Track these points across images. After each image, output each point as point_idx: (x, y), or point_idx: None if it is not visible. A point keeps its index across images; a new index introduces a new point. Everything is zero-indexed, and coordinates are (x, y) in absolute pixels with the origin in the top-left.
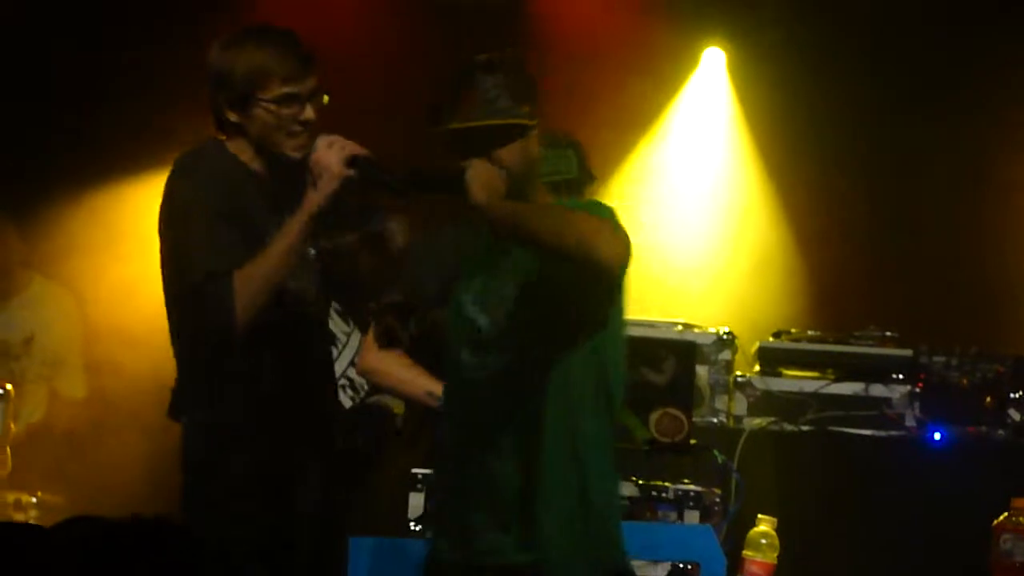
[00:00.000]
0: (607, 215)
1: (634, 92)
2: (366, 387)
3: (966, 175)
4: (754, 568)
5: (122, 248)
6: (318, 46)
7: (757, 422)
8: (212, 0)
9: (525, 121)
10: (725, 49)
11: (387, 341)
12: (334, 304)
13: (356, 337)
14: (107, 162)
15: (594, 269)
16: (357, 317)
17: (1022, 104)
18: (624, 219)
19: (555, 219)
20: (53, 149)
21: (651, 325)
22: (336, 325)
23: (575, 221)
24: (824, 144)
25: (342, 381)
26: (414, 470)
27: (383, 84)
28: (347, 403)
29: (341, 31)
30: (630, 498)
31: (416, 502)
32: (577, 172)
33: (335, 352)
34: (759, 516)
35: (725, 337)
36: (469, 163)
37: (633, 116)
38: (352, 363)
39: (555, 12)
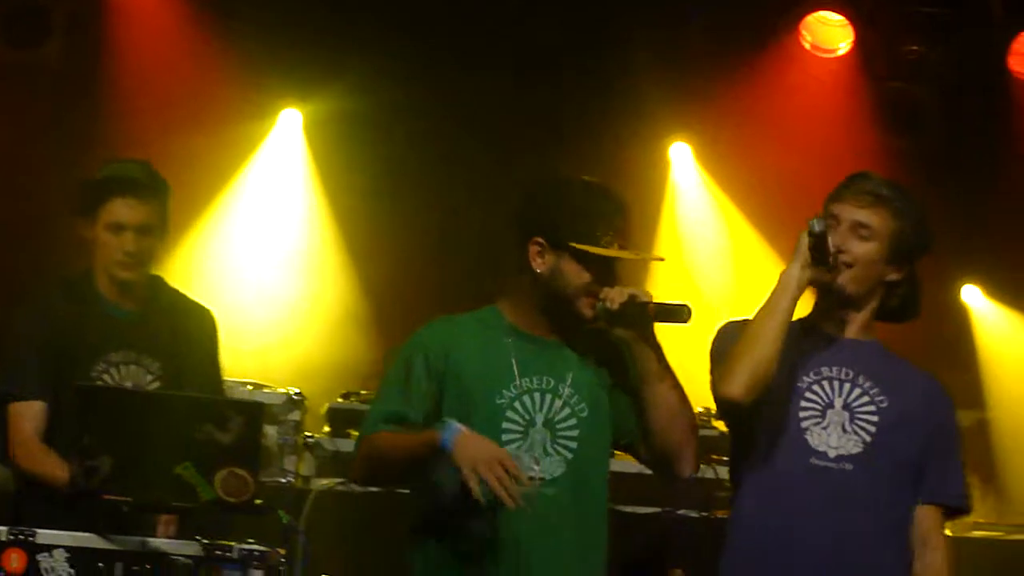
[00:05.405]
0: None
1: (207, 150)
2: None
3: None
4: None
5: None
6: None
7: (325, 482)
8: None
9: None
10: (302, 110)
11: None
12: None
13: None
14: None
15: (664, 461)
16: None
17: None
18: None
19: (686, 399)
20: None
21: None
22: None
23: (693, 419)
24: (397, 206)
25: None
26: None
27: None
28: None
29: None
30: (195, 557)
31: None
32: None
33: None
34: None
35: (295, 397)
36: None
37: (205, 175)
38: None
39: (129, 63)
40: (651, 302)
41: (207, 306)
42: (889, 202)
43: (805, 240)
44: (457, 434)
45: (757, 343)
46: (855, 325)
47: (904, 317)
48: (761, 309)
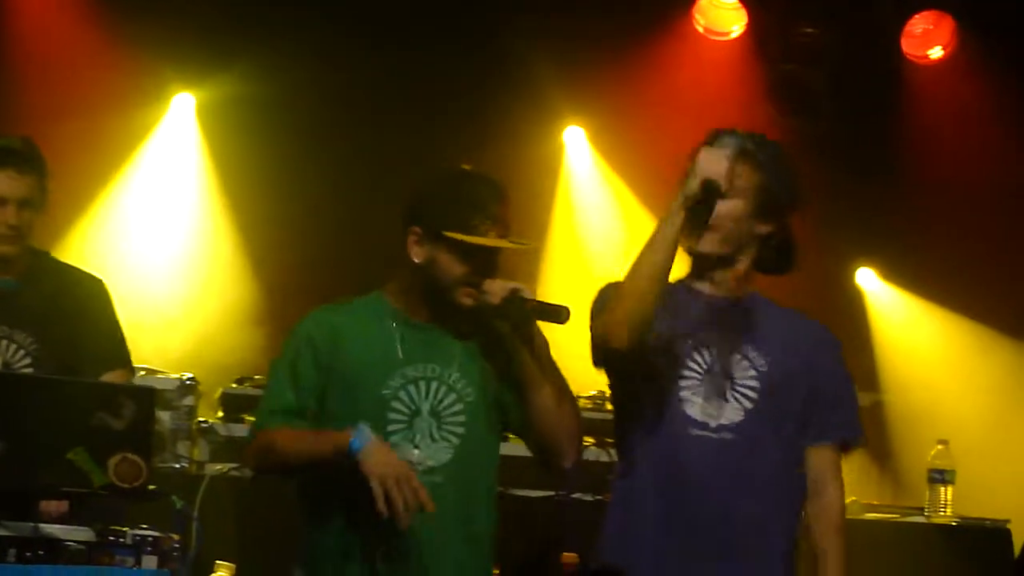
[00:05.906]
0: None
1: (97, 135)
2: None
3: None
4: None
5: None
6: None
7: (219, 468)
8: None
9: None
10: (196, 95)
11: None
12: None
13: None
14: None
15: (544, 453)
16: None
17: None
18: None
19: (567, 393)
20: None
21: None
22: None
23: (575, 412)
24: (293, 191)
25: None
26: None
27: None
28: None
29: None
30: (88, 543)
31: None
32: None
33: None
34: (217, 562)
35: (188, 382)
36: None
37: (95, 161)
38: None
39: (16, 46)
40: (531, 299)
41: (96, 275)
42: (751, 156)
43: (695, 184)
44: (367, 442)
45: (638, 277)
46: (731, 282)
47: (781, 269)
48: (643, 248)
